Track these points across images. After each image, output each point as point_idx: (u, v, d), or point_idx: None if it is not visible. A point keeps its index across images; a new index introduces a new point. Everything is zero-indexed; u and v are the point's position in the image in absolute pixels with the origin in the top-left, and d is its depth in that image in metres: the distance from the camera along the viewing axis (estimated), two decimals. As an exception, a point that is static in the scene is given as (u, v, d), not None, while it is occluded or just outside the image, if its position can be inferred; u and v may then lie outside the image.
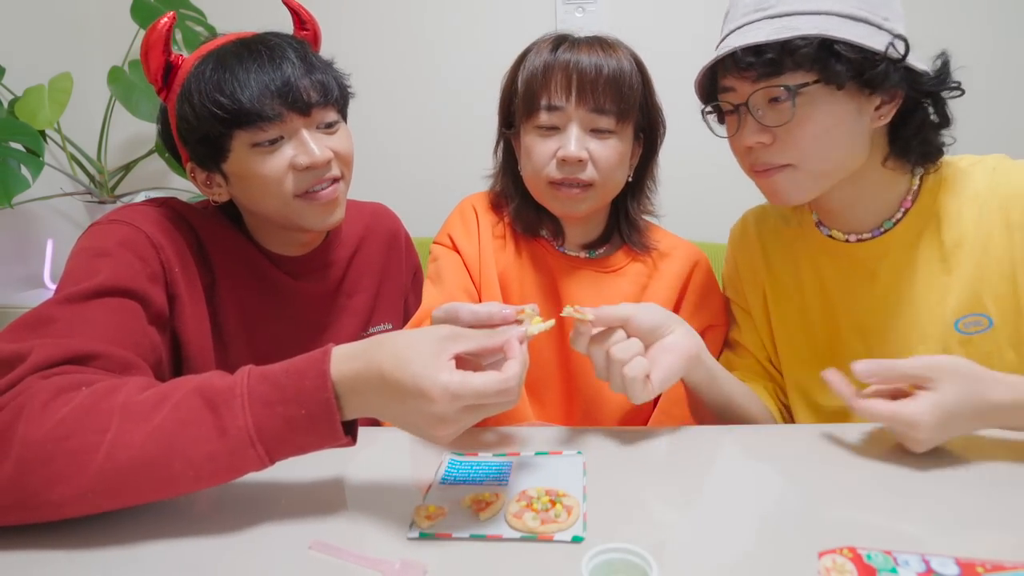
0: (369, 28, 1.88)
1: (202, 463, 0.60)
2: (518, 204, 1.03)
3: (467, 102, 1.85)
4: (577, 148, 0.92)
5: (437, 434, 0.61)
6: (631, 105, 0.94)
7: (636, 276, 1.03)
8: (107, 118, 1.77)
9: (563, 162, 0.92)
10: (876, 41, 0.76)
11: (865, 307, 0.92)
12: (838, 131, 0.81)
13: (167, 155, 1.73)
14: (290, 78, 0.84)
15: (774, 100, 0.81)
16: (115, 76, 1.65)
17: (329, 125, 0.90)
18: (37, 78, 1.56)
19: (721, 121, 0.92)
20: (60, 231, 1.86)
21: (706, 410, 0.88)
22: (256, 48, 0.85)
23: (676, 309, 1.02)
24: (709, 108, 0.91)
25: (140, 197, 1.78)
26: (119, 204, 1.73)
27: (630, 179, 1.01)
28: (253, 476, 0.72)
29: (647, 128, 1.01)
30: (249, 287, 0.95)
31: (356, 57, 1.86)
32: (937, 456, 0.71)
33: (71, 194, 1.77)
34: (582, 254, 1.04)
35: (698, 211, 1.67)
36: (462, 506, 0.64)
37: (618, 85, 0.92)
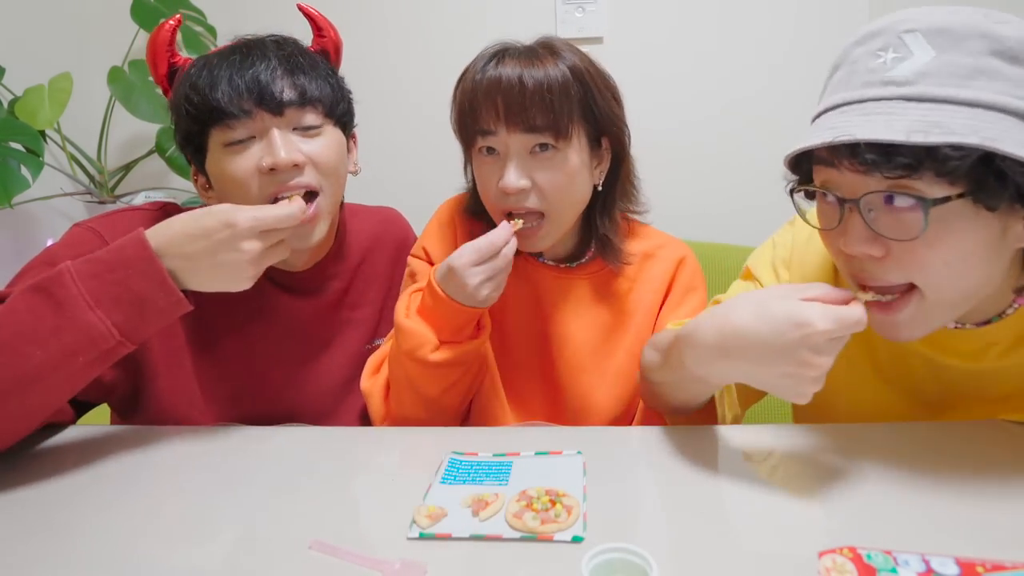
0: (369, 28, 1.88)
1: (48, 339, 0.66)
2: (489, 223, 0.97)
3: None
4: (515, 179, 0.86)
5: (241, 258, 0.72)
6: (566, 116, 0.86)
7: (619, 282, 1.00)
8: (107, 118, 1.77)
9: (504, 193, 0.88)
10: None
11: (961, 387, 0.78)
12: (976, 257, 0.62)
13: (167, 155, 1.73)
14: (260, 75, 0.83)
15: (894, 203, 0.62)
16: (115, 76, 1.65)
17: (308, 128, 0.86)
18: (37, 78, 1.56)
19: (809, 196, 0.72)
20: (60, 231, 1.83)
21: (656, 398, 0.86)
22: (239, 48, 0.85)
23: (660, 308, 1.00)
24: (794, 184, 0.71)
25: (140, 197, 1.77)
26: (119, 204, 1.73)
27: (599, 188, 0.95)
28: (253, 475, 0.72)
29: (607, 135, 0.93)
30: (241, 310, 0.92)
31: (356, 58, 1.86)
32: (937, 456, 0.71)
33: (71, 194, 1.77)
34: (561, 264, 1.01)
35: (694, 210, 1.67)
36: (462, 506, 0.64)
37: (546, 100, 0.84)
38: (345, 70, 0.97)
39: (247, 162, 0.83)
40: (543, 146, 0.87)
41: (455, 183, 1.05)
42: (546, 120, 0.85)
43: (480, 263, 0.81)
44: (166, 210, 0.92)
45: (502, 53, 0.89)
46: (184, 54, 0.91)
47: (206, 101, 0.82)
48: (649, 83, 1.78)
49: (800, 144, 0.65)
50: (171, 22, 0.87)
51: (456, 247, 0.95)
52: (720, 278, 1.43)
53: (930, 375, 0.79)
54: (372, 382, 0.93)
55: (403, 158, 1.93)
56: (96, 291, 0.68)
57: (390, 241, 1.09)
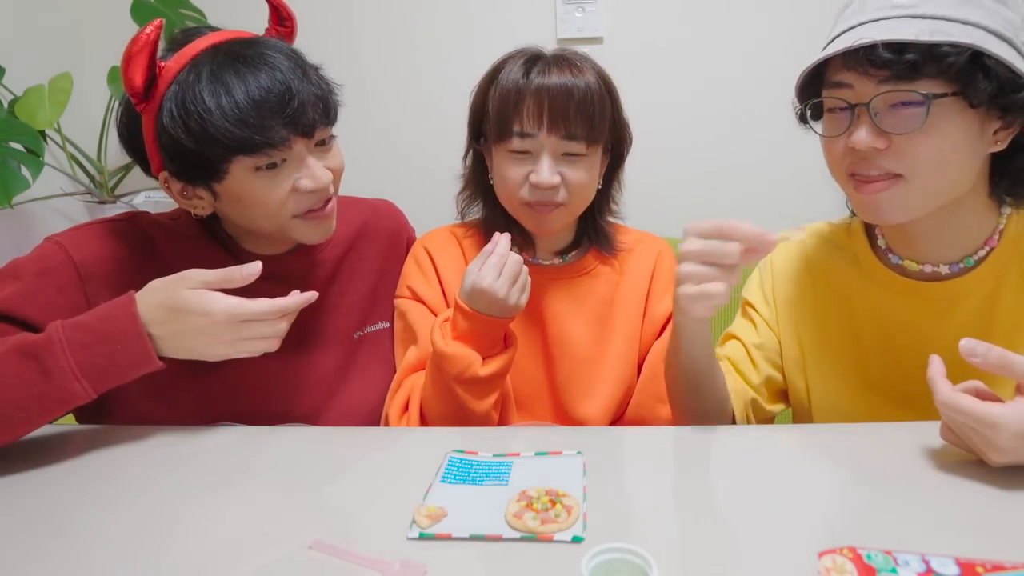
0: (370, 27, 1.88)
1: (31, 404, 0.72)
2: (487, 214, 1.05)
3: (467, 101, 1.85)
4: (549, 175, 0.92)
5: (216, 349, 0.76)
6: (601, 129, 0.95)
7: (608, 275, 1.06)
8: (107, 118, 1.77)
9: (535, 187, 0.93)
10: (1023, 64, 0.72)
11: (935, 347, 0.82)
12: (960, 148, 0.75)
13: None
14: (298, 105, 0.81)
15: (898, 105, 0.74)
16: (115, 76, 1.65)
17: (323, 141, 0.88)
18: (37, 78, 1.56)
19: (815, 118, 0.84)
20: (60, 231, 1.86)
21: (677, 383, 0.87)
22: (256, 65, 0.81)
23: (647, 299, 1.05)
24: (808, 103, 0.83)
25: (140, 197, 1.78)
26: (119, 204, 1.73)
27: (599, 187, 1.02)
28: (253, 475, 0.72)
29: (614, 141, 1.02)
30: None
31: (358, 56, 1.87)
32: (937, 455, 0.71)
33: (71, 194, 1.77)
34: (555, 261, 1.05)
35: (693, 211, 1.67)
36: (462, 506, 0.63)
37: (588, 111, 0.92)
38: (348, 68, 0.97)
39: (282, 186, 0.85)
40: (573, 153, 0.94)
41: (451, 180, 1.07)
42: (585, 130, 0.92)
43: (500, 274, 0.86)
44: (136, 220, 0.92)
45: (541, 60, 0.95)
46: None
47: (244, 131, 0.79)
48: (649, 83, 1.78)
49: (823, 54, 0.78)
50: (150, 29, 0.79)
51: (439, 278, 1.03)
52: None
53: (917, 365, 0.81)
54: (405, 420, 0.95)
55: (405, 156, 1.93)
56: (84, 363, 0.73)
57: (381, 232, 1.09)
